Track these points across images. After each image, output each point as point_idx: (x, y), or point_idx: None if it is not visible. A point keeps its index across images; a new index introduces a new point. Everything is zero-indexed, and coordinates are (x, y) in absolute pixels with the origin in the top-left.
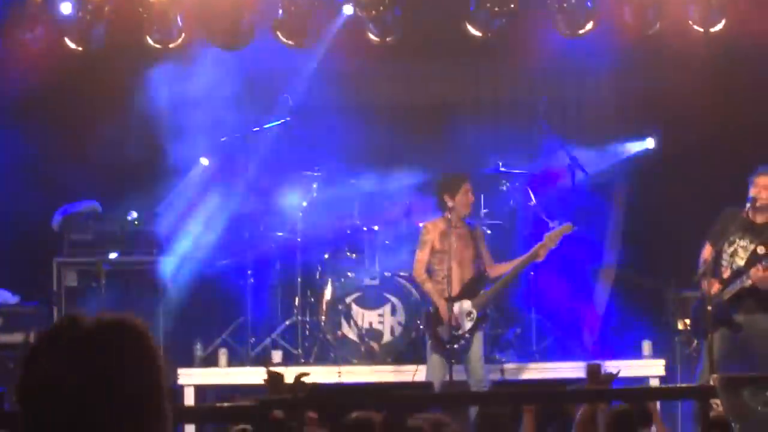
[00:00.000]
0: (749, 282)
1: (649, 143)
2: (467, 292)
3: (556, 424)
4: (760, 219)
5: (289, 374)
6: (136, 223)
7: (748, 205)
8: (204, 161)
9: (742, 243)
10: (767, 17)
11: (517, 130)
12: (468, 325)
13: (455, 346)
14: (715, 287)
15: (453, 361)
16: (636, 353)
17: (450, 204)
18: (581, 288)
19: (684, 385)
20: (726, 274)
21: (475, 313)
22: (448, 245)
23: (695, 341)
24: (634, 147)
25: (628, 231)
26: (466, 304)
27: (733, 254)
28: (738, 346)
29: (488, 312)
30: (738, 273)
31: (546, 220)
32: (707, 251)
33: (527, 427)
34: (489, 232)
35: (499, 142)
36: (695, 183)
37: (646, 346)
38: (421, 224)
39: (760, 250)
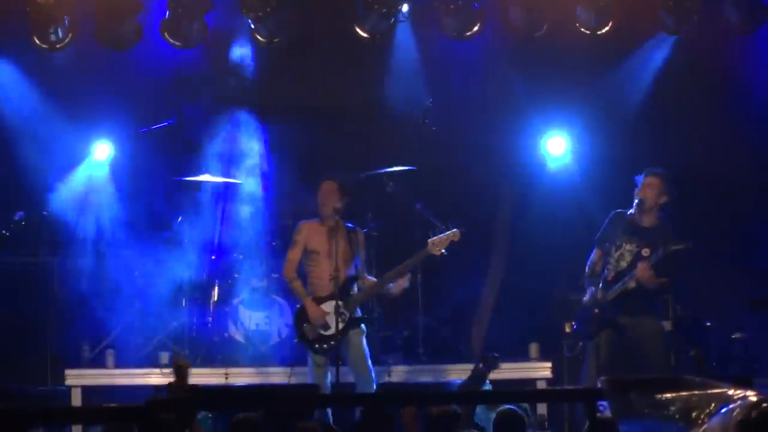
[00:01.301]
0: (632, 283)
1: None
2: (339, 292)
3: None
4: (647, 221)
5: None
6: (23, 223)
7: (633, 208)
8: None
9: (628, 247)
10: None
11: (404, 132)
12: (339, 325)
13: (324, 346)
14: (601, 293)
15: (339, 362)
16: (523, 356)
17: (321, 204)
18: (469, 291)
19: (572, 387)
20: (610, 277)
21: (347, 314)
22: (319, 245)
23: (580, 343)
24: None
25: (516, 233)
26: (330, 306)
27: (619, 258)
28: (624, 348)
29: (365, 313)
30: (621, 275)
31: (434, 222)
32: (597, 255)
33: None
34: (375, 234)
35: (386, 144)
36: (586, 185)
37: (533, 348)
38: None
39: (645, 252)
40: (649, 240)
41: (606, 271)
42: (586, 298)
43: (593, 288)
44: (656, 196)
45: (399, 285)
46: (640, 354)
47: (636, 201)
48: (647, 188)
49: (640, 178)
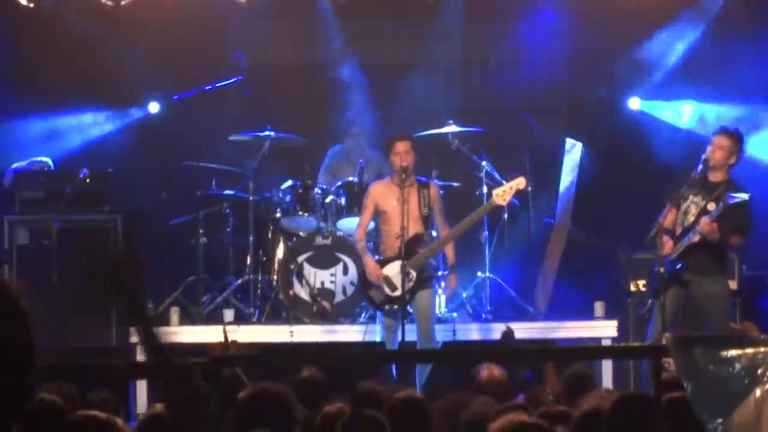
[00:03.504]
0: (696, 238)
1: None
2: (406, 252)
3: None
4: (714, 177)
5: (241, 333)
6: (88, 180)
7: (700, 165)
8: (154, 107)
9: (695, 200)
10: None
11: (470, 91)
12: (406, 285)
13: (393, 307)
14: (668, 246)
15: (405, 321)
16: (588, 315)
17: (389, 163)
18: (534, 249)
19: (636, 344)
20: (677, 232)
21: (413, 274)
22: (388, 205)
23: (649, 301)
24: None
25: (582, 191)
26: (398, 265)
27: (686, 212)
28: (689, 307)
29: (433, 271)
30: (687, 230)
31: (498, 178)
32: (667, 209)
33: (551, 380)
34: (441, 192)
35: (452, 103)
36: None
37: (599, 307)
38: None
39: (710, 206)
40: (716, 195)
41: (675, 228)
42: (653, 256)
43: (659, 244)
44: (725, 157)
45: (450, 286)
46: (705, 313)
47: (704, 157)
48: (717, 148)
49: (712, 138)
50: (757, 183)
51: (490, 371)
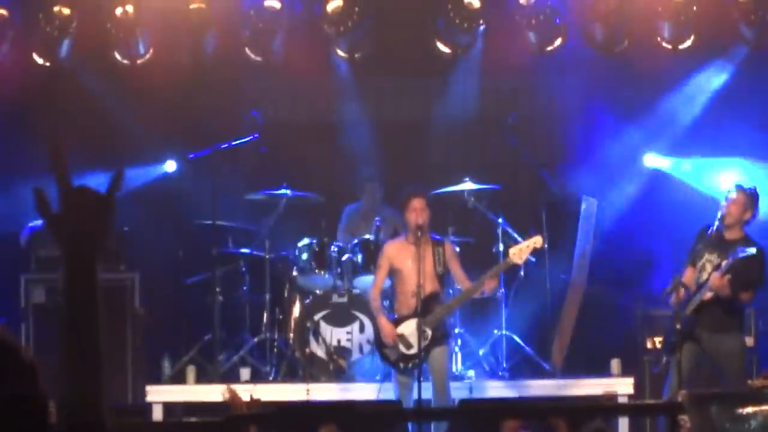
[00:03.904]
0: (708, 295)
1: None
2: (421, 310)
3: None
4: (730, 235)
5: (257, 392)
6: (105, 246)
7: (716, 222)
8: (170, 166)
9: (710, 257)
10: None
11: (487, 148)
12: (422, 344)
13: (409, 365)
14: (680, 298)
15: (421, 379)
16: (605, 372)
17: (404, 220)
18: (550, 306)
19: (652, 401)
20: (693, 289)
21: (429, 332)
22: (403, 263)
23: (665, 359)
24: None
25: (598, 247)
26: (414, 323)
27: (701, 269)
28: (704, 364)
29: (449, 329)
30: (700, 287)
31: (514, 235)
32: (688, 271)
33: None
34: (458, 249)
35: (468, 159)
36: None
37: (615, 364)
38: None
39: (725, 264)
40: (729, 252)
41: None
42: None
43: (674, 300)
44: (740, 213)
45: (491, 285)
46: (721, 371)
47: (719, 215)
48: (732, 204)
49: (726, 193)
50: None
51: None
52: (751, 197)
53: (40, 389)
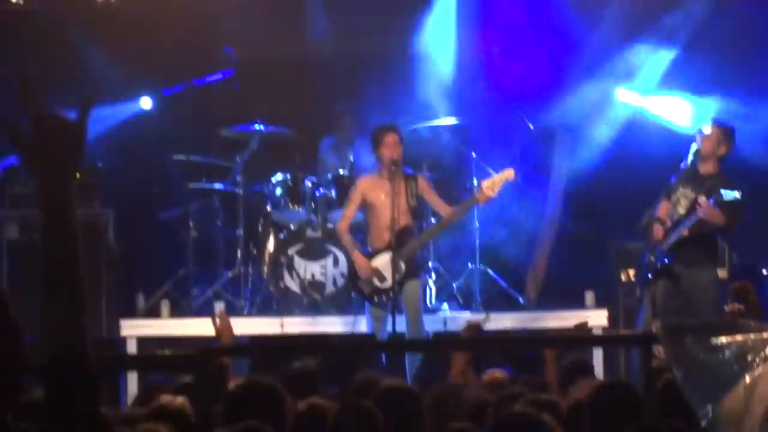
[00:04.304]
0: (686, 232)
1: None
2: (395, 243)
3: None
4: (704, 169)
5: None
6: (78, 175)
7: (689, 156)
8: (146, 103)
9: (685, 191)
10: None
11: (461, 83)
12: (396, 277)
13: (382, 299)
14: (659, 234)
15: (396, 312)
16: (579, 304)
17: (377, 156)
18: (525, 239)
19: (627, 332)
20: (669, 225)
21: (402, 265)
22: (377, 198)
23: (638, 291)
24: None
25: (572, 181)
26: (388, 257)
27: (676, 204)
28: (679, 298)
29: (422, 263)
30: (678, 222)
31: (488, 170)
32: (663, 206)
33: (550, 369)
34: (430, 184)
35: (442, 95)
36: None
37: (589, 297)
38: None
39: (701, 200)
40: (706, 188)
41: (666, 219)
42: (643, 246)
43: (651, 234)
44: (713, 147)
45: (484, 195)
46: (693, 303)
47: (694, 149)
48: (705, 138)
49: (700, 129)
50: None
51: (492, 374)
52: (725, 132)
53: (11, 321)
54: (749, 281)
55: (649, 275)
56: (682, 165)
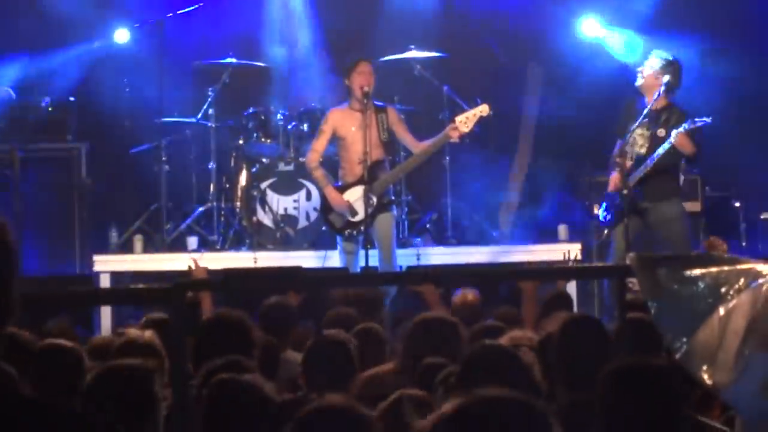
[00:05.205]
0: (651, 167)
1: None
2: (367, 176)
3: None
4: (656, 104)
5: (205, 260)
6: (50, 109)
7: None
8: (122, 36)
9: (640, 131)
10: None
11: (431, 16)
12: (367, 211)
13: (353, 232)
14: (615, 181)
15: (368, 246)
16: (552, 237)
17: (348, 86)
18: (497, 173)
19: (601, 264)
20: (628, 164)
21: (374, 199)
22: (348, 131)
23: (605, 231)
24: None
25: (541, 114)
26: (360, 191)
27: (633, 144)
28: (648, 233)
29: (392, 196)
30: (640, 160)
31: (461, 103)
32: (620, 146)
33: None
34: (403, 117)
35: (412, 28)
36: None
37: (562, 230)
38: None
39: (660, 133)
40: (661, 121)
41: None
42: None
43: (614, 175)
44: (654, 76)
45: (458, 131)
46: (663, 236)
47: (636, 84)
48: (646, 68)
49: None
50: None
51: (464, 295)
52: (665, 62)
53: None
54: (718, 237)
55: (618, 211)
56: (628, 100)
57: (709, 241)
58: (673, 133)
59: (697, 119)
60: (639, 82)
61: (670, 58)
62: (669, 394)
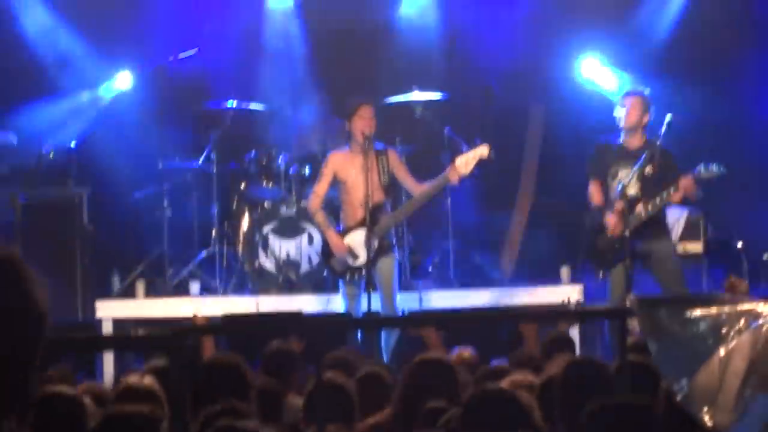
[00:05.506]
0: (647, 211)
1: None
2: (369, 220)
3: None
4: (634, 144)
5: (207, 305)
6: (51, 156)
7: (621, 134)
8: (124, 81)
9: (624, 171)
10: None
11: (433, 57)
12: (367, 255)
13: (355, 277)
14: (616, 224)
15: (370, 289)
16: (554, 279)
17: (349, 129)
18: (499, 215)
19: (601, 306)
20: (619, 205)
21: (376, 242)
22: (349, 175)
23: (601, 273)
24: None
25: (546, 155)
26: (361, 234)
27: (622, 186)
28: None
29: (394, 240)
30: (634, 202)
31: (462, 144)
32: (594, 187)
33: (530, 341)
34: (404, 159)
35: (414, 69)
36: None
37: (564, 272)
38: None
39: (648, 171)
40: (645, 159)
41: (611, 203)
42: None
43: (608, 220)
44: (639, 116)
45: (457, 172)
46: (661, 277)
47: (621, 126)
48: (631, 108)
49: (620, 102)
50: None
51: (460, 353)
52: (646, 99)
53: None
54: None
55: (619, 256)
56: (614, 145)
57: (729, 281)
58: (683, 177)
59: (710, 166)
60: (627, 122)
61: (647, 96)
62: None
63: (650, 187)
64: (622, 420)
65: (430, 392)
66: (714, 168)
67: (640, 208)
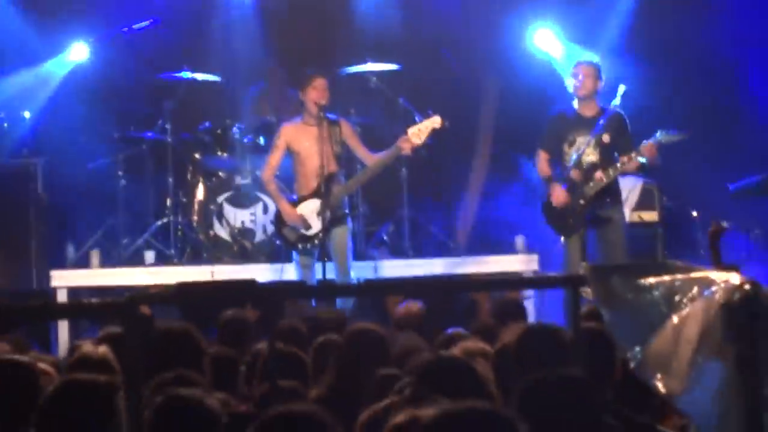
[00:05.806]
0: (606, 177)
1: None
2: (322, 190)
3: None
4: (589, 112)
5: (162, 274)
6: (5, 124)
7: (574, 102)
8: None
9: (582, 139)
10: None
11: (387, 28)
12: (321, 224)
13: (307, 245)
14: (562, 195)
15: (325, 259)
16: (509, 248)
17: (302, 100)
18: (454, 185)
19: (555, 274)
20: (576, 174)
21: (329, 212)
22: (302, 146)
23: (562, 239)
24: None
25: (500, 124)
26: (314, 204)
27: (577, 152)
28: (601, 240)
29: (348, 209)
30: (591, 169)
31: (416, 114)
32: (542, 158)
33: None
34: (359, 129)
35: (368, 40)
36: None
37: (519, 241)
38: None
39: (605, 138)
40: (601, 126)
41: (566, 170)
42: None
43: (558, 188)
44: (594, 84)
45: (410, 143)
46: (611, 243)
47: (576, 94)
48: (586, 78)
49: (572, 71)
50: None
51: (407, 307)
52: (597, 67)
53: None
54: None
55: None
56: (565, 113)
57: (713, 226)
58: (644, 143)
59: (671, 132)
60: (582, 90)
61: (598, 62)
62: (584, 404)
63: (609, 153)
64: (556, 395)
65: (366, 362)
66: (674, 133)
67: (600, 174)
